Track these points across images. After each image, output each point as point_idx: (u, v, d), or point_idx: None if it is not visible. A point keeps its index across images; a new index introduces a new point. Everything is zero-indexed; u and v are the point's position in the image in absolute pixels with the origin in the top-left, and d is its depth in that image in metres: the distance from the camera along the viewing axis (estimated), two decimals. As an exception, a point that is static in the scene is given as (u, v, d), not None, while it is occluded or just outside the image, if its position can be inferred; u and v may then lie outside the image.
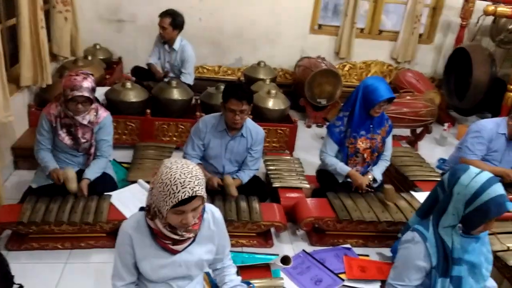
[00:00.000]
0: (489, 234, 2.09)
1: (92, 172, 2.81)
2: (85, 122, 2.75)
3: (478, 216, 1.69)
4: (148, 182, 2.94)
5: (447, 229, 1.77)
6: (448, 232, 1.77)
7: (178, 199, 1.48)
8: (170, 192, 1.48)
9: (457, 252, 1.77)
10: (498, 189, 1.67)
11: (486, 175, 1.71)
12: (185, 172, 1.51)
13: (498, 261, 2.37)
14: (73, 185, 2.68)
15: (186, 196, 1.48)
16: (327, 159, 3.17)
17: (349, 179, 3.15)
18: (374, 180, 3.16)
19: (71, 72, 2.72)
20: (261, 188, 3.14)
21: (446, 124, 5.04)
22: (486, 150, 3.39)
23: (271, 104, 4.11)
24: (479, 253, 1.82)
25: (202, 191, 1.53)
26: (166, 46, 4.49)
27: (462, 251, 1.78)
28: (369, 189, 3.09)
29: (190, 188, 1.49)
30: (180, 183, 1.48)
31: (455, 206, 1.73)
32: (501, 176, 3.26)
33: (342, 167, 3.12)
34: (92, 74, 2.74)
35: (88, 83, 2.64)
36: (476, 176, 1.70)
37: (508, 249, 2.46)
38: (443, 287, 1.80)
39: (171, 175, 1.50)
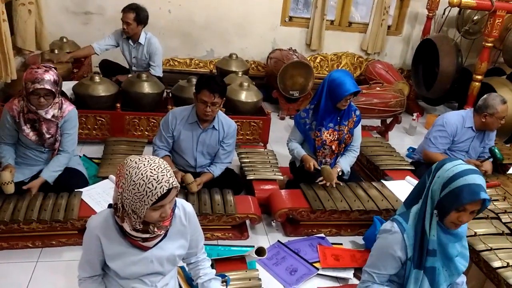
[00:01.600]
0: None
1: (50, 171, 2.72)
2: (48, 116, 2.66)
3: (450, 199, 1.69)
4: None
5: (428, 219, 1.78)
6: (428, 221, 1.79)
7: (157, 195, 1.48)
8: (147, 191, 1.47)
9: (432, 244, 1.79)
10: (477, 179, 1.67)
11: (471, 166, 1.72)
12: (154, 167, 1.50)
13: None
14: (8, 190, 2.55)
15: (164, 191, 1.48)
16: (289, 144, 3.28)
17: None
18: (343, 172, 3.19)
19: (32, 65, 2.62)
20: (236, 181, 3.14)
21: (415, 114, 5.17)
22: (450, 144, 3.49)
23: (244, 96, 4.10)
24: (453, 247, 1.85)
25: (176, 182, 1.54)
26: (131, 42, 4.39)
27: (437, 243, 1.80)
28: (339, 183, 3.12)
29: (165, 181, 1.49)
30: (155, 179, 1.47)
31: (433, 189, 1.75)
32: None
33: (299, 152, 3.19)
34: (55, 68, 2.65)
35: (50, 76, 2.55)
36: (460, 164, 1.72)
37: (475, 234, 2.55)
38: (417, 278, 1.83)
39: (142, 174, 1.48)
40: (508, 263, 2.31)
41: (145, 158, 1.54)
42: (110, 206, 1.70)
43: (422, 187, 1.86)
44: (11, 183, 2.55)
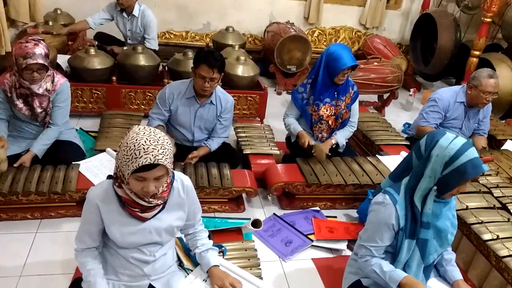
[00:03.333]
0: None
1: (39, 145, 2.71)
2: (41, 91, 2.63)
3: (455, 177, 1.73)
4: (116, 151, 2.91)
5: (422, 193, 1.82)
6: (422, 196, 1.82)
7: (139, 164, 1.48)
8: (133, 156, 1.48)
9: (426, 217, 1.84)
10: (474, 151, 1.73)
11: (462, 139, 1.77)
12: (151, 139, 1.51)
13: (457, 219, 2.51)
14: (2, 168, 2.54)
15: (146, 163, 1.48)
16: (285, 119, 3.26)
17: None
18: (337, 145, 3.21)
19: (20, 40, 2.57)
20: (232, 155, 3.17)
21: (412, 90, 5.16)
22: (442, 119, 3.49)
23: (240, 71, 4.08)
24: (446, 218, 1.89)
25: (165, 161, 1.52)
26: (125, 14, 4.32)
27: (432, 215, 1.84)
28: (329, 154, 3.13)
29: (152, 155, 1.48)
30: (144, 149, 1.48)
31: (433, 168, 1.78)
32: None
33: (295, 127, 3.19)
34: (43, 40, 2.61)
35: (40, 49, 2.51)
36: (454, 139, 1.76)
37: (467, 208, 2.60)
38: (409, 249, 1.88)
39: (136, 140, 1.50)
40: (498, 236, 2.36)
41: (150, 129, 1.55)
42: (109, 177, 1.72)
43: (409, 162, 1.90)
44: (4, 161, 2.53)
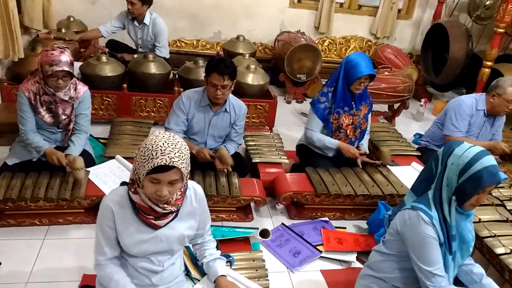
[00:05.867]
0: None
1: (78, 150, 2.78)
2: (66, 98, 2.69)
3: (471, 185, 1.71)
4: (126, 158, 2.92)
5: (447, 206, 1.79)
6: (447, 207, 1.79)
7: (154, 164, 1.49)
8: (149, 157, 1.50)
9: (453, 229, 1.81)
10: (491, 159, 1.71)
11: (479, 147, 1.74)
12: (169, 142, 1.53)
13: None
14: (82, 174, 2.58)
15: (162, 163, 1.49)
16: (314, 136, 3.15)
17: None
18: (366, 154, 3.22)
19: (46, 48, 2.63)
20: (241, 164, 3.15)
21: (422, 100, 5.12)
22: (468, 126, 3.43)
23: (250, 79, 4.08)
24: (467, 229, 1.86)
25: (181, 165, 1.52)
26: (136, 22, 4.36)
27: (456, 227, 1.81)
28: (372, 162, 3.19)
29: (168, 157, 1.50)
30: (160, 150, 1.50)
31: (448, 177, 1.75)
32: (489, 150, 3.34)
33: (330, 141, 3.13)
34: (67, 47, 2.66)
35: (66, 57, 2.57)
36: (470, 148, 1.74)
37: (479, 221, 2.55)
38: (448, 263, 1.83)
39: (155, 142, 1.52)
40: (511, 250, 2.31)
41: (170, 134, 1.58)
42: (123, 183, 1.71)
43: (430, 174, 1.86)
44: (80, 169, 2.57)
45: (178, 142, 1.56)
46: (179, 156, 1.52)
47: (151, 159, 1.49)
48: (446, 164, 1.76)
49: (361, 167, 3.14)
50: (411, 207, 1.85)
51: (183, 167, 1.54)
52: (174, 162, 1.50)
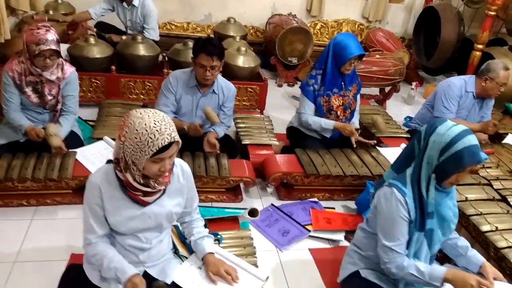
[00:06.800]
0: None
1: (66, 131, 2.77)
2: (53, 77, 2.66)
3: (451, 164, 1.71)
4: (113, 139, 2.90)
5: (425, 183, 1.79)
6: (426, 186, 1.79)
7: (158, 146, 1.50)
8: (148, 141, 1.49)
9: (430, 206, 1.81)
10: (472, 139, 1.70)
11: (462, 126, 1.73)
12: (158, 120, 1.53)
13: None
14: (57, 140, 2.62)
15: (166, 143, 1.50)
16: (309, 119, 3.13)
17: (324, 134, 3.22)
18: (358, 130, 3.25)
19: (30, 26, 2.58)
20: (231, 146, 3.14)
21: (414, 83, 5.12)
22: (457, 107, 3.44)
23: (241, 61, 4.05)
24: (447, 207, 1.87)
25: (178, 137, 1.56)
26: (125, 4, 4.29)
27: (435, 205, 1.82)
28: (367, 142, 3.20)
29: (167, 134, 1.51)
30: (157, 130, 1.50)
31: (429, 154, 1.75)
32: (481, 131, 3.35)
33: (326, 122, 3.13)
34: (51, 26, 2.61)
35: (52, 36, 2.54)
36: (452, 126, 1.73)
37: (466, 199, 2.57)
38: (418, 240, 1.85)
39: (145, 124, 1.50)
40: (496, 227, 2.34)
41: (150, 111, 1.57)
42: (109, 162, 1.70)
43: (411, 151, 1.86)
44: (54, 136, 2.61)
45: (163, 116, 1.56)
46: (173, 129, 1.55)
47: (152, 142, 1.49)
48: (428, 141, 1.76)
49: (355, 146, 3.14)
50: (388, 184, 1.87)
51: (179, 138, 1.57)
52: (174, 137, 1.53)
